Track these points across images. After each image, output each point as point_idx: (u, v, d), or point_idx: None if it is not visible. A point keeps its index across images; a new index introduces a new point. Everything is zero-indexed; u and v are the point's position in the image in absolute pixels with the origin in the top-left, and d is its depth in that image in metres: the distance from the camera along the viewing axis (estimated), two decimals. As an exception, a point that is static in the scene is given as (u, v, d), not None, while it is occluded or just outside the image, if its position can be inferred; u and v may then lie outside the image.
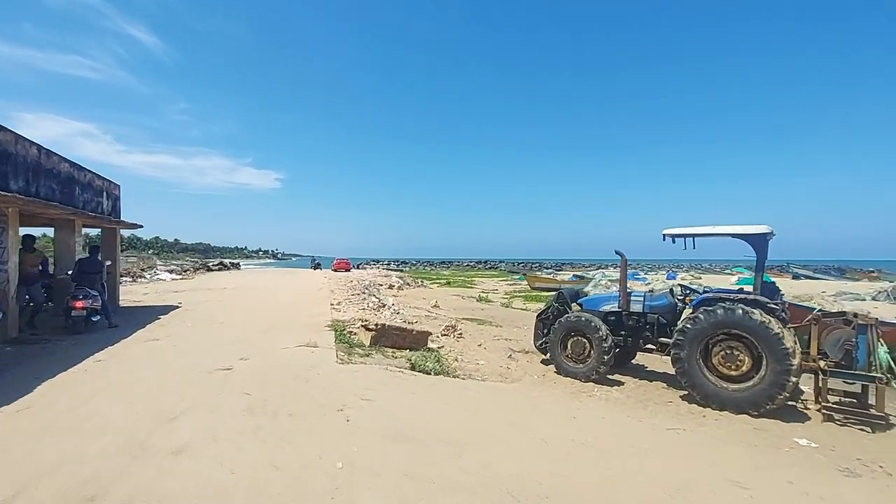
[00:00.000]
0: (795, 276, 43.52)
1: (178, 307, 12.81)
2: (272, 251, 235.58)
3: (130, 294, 16.81)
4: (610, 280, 32.20)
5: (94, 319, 8.70)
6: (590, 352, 7.50)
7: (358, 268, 56.20)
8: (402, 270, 59.00)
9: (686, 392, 6.68)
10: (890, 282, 38.63)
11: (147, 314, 11.24)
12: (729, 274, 57.77)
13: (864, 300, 22.23)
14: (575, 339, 7.68)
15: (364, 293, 19.41)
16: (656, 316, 7.45)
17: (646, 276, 46.86)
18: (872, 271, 45.58)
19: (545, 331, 8.56)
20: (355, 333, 8.70)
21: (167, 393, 4.77)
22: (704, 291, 7.54)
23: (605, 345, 7.24)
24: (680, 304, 7.49)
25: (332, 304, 13.72)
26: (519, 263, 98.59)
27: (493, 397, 5.84)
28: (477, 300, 23.75)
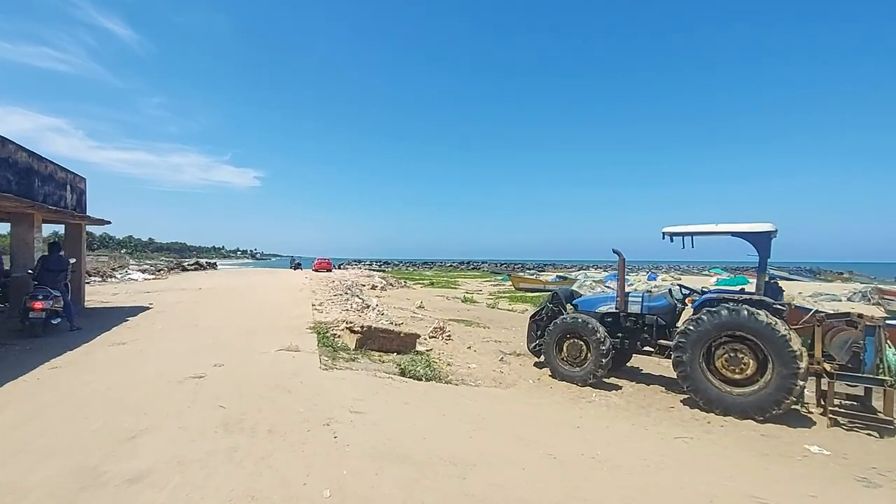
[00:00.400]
0: (771, 277, 44.47)
1: (148, 308, 12.08)
2: (251, 251, 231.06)
3: (98, 294, 15.91)
4: (594, 281, 32.30)
5: (53, 322, 8.00)
6: (587, 355, 7.21)
7: (339, 268, 55.31)
8: (384, 271, 58.26)
9: (687, 396, 6.43)
10: (862, 283, 39.89)
11: (114, 316, 10.52)
12: (706, 276, 58.98)
13: (840, 301, 22.57)
14: (571, 341, 7.38)
15: (347, 293, 18.85)
16: (655, 317, 7.19)
17: (626, 276, 47.49)
18: (843, 273, 46.93)
19: (539, 333, 8.24)
20: (339, 336, 8.22)
21: (129, 406, 4.24)
22: (703, 292, 7.33)
23: (603, 348, 6.95)
24: (680, 305, 7.26)
25: (313, 305, 13.16)
26: (501, 264, 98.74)
27: (491, 406, 5.46)
28: (462, 301, 23.38)
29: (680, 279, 46.71)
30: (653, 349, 7.30)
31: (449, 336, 10.03)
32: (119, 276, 27.40)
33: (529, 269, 73.03)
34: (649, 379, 7.82)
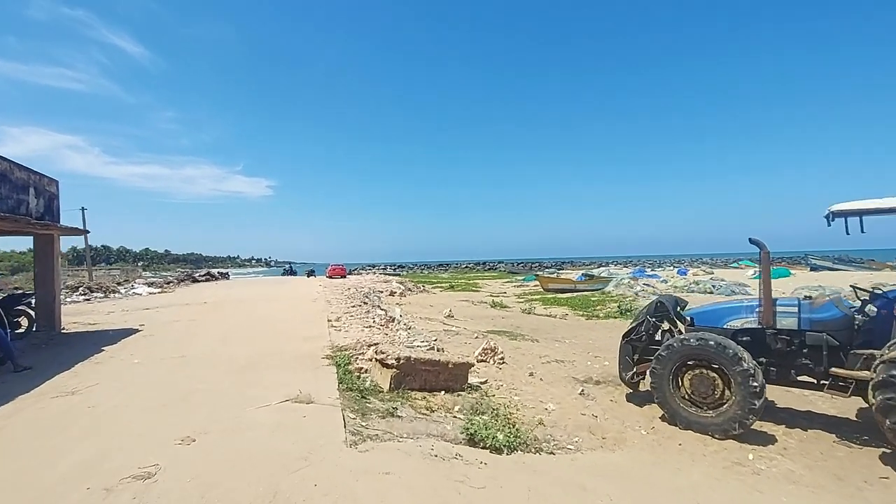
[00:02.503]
0: (813, 268, 41.35)
1: (136, 331, 10.16)
2: (265, 259, 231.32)
3: (91, 314, 14.11)
4: (631, 278, 29.80)
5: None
6: (723, 392, 5.00)
7: (352, 273, 53.53)
8: (399, 275, 56.34)
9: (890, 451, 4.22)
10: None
11: (90, 343, 8.59)
12: (736, 268, 55.76)
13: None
14: (697, 372, 5.17)
15: (366, 303, 16.82)
16: (822, 335, 4.95)
17: (655, 271, 44.48)
18: (892, 262, 43.44)
19: (636, 357, 6.05)
20: (366, 371, 6.13)
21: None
22: (879, 293, 5.10)
23: (754, 384, 4.72)
24: (860, 317, 5.00)
25: (329, 321, 11.11)
26: (518, 263, 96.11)
27: (628, 495, 3.29)
28: (490, 306, 21.15)
29: (713, 273, 43.90)
30: (816, 380, 5.08)
31: (502, 359, 7.87)
32: (123, 290, 25.77)
33: (548, 268, 70.45)
34: (797, 419, 5.57)
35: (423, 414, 4.75)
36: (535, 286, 34.45)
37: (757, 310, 5.32)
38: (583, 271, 45.85)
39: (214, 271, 48.86)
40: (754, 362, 4.86)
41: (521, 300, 24.19)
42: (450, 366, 5.88)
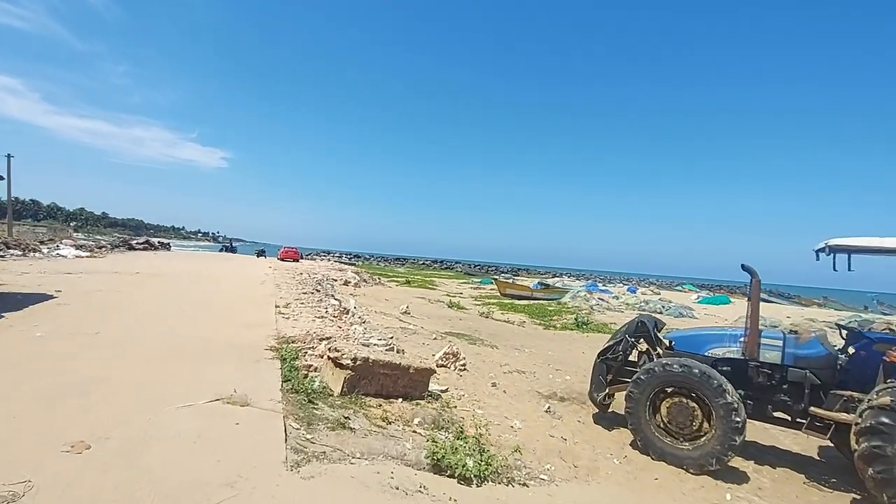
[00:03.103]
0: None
1: (51, 297, 8.82)
2: (212, 234, 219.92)
3: (1, 272, 12.38)
4: (587, 291, 30.26)
5: None
6: (701, 424, 4.71)
7: (306, 258, 51.55)
8: (354, 265, 54.85)
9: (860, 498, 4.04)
10: (836, 309, 39.58)
11: (-11, 308, 7.30)
12: (679, 291, 58.40)
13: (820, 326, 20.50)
14: (676, 401, 4.85)
15: (318, 290, 15.85)
16: (805, 372, 4.75)
17: (606, 287, 45.62)
18: (817, 299, 46.91)
19: (610, 378, 5.68)
20: (315, 369, 5.41)
21: None
22: (860, 332, 4.99)
23: (737, 419, 4.45)
24: (843, 357, 4.84)
25: (277, 307, 10.19)
26: (475, 265, 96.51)
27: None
28: (448, 306, 20.70)
29: (660, 294, 45.60)
30: (792, 418, 4.89)
31: (463, 366, 7.35)
32: (46, 250, 23.19)
33: (504, 273, 71.07)
34: (764, 454, 5.40)
35: (380, 427, 4.12)
36: (491, 289, 34.36)
37: (741, 339, 5.08)
38: (538, 279, 46.36)
39: (155, 240, 45.43)
40: (738, 395, 4.59)
41: (479, 303, 23.92)
42: (411, 371, 5.27)
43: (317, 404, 4.28)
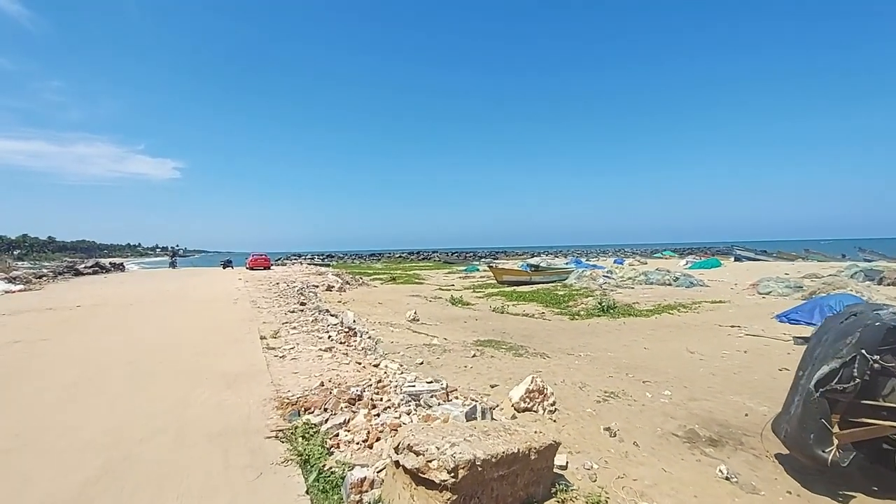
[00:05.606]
0: (738, 258, 43.61)
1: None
2: (172, 248, 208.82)
3: None
4: (592, 269, 28.59)
5: None
6: None
7: (277, 263, 48.13)
8: (329, 265, 51.72)
9: None
10: (819, 261, 39.72)
11: None
12: (660, 258, 58.03)
13: (844, 281, 19.35)
14: None
15: (304, 304, 13.30)
16: None
17: (593, 262, 44.16)
18: (799, 252, 47.20)
19: (834, 420, 3.59)
20: (368, 483, 3.10)
21: None
22: None
23: None
24: None
25: (264, 338, 7.72)
26: (452, 253, 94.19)
27: None
28: (451, 303, 18.39)
29: (646, 263, 44.70)
30: None
31: (553, 404, 5.15)
32: (-34, 288, 19.53)
33: (483, 258, 69.22)
34: None
35: None
36: (481, 277, 32.24)
37: None
38: (520, 261, 44.53)
39: (106, 262, 40.86)
40: None
41: (479, 294, 21.75)
42: (532, 456, 3.04)
43: None
